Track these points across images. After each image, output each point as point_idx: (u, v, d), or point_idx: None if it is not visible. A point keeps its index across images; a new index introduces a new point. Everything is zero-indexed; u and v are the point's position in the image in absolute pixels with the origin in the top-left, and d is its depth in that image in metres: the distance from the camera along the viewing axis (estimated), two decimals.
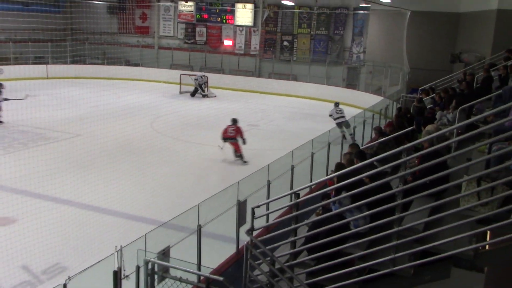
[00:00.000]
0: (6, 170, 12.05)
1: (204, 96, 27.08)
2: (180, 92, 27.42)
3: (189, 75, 27.99)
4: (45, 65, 30.27)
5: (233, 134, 14.72)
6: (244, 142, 14.84)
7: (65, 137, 16.75)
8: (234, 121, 15.03)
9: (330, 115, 17.56)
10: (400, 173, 4.89)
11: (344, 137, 16.16)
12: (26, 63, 29.19)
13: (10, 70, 27.83)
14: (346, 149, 8.31)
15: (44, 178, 11.80)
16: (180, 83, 27.70)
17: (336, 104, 17.87)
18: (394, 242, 4.77)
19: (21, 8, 28.87)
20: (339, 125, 17.01)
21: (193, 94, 26.87)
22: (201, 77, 27.45)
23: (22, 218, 9.97)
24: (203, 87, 27.20)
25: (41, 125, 17.54)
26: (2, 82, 18.68)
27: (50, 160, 13.57)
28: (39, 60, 30.64)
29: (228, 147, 14.87)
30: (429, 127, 7.20)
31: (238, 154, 14.81)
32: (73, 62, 31.69)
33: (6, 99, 17.93)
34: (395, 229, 4.79)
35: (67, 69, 30.58)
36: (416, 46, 22.08)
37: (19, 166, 12.62)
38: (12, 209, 10.16)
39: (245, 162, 14.72)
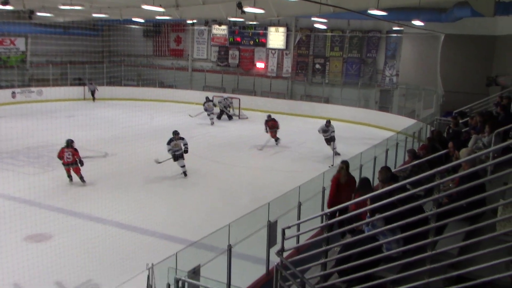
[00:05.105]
0: (43, 188, 12.37)
1: (230, 118, 27.23)
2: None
3: (219, 97, 28.17)
4: (82, 87, 31.19)
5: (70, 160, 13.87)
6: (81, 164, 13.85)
7: (100, 157, 17.10)
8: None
9: (320, 131, 18.84)
10: (434, 196, 4.82)
11: (335, 152, 18.16)
12: (64, 85, 30.13)
13: (50, 91, 28.78)
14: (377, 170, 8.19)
15: (79, 196, 12.08)
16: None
17: (328, 122, 18.86)
18: (428, 267, 4.67)
19: (61, 32, 29.92)
20: (327, 141, 18.68)
21: (219, 117, 26.90)
22: (225, 99, 27.59)
23: (56, 234, 10.20)
24: (228, 109, 27.37)
25: (78, 144, 17.96)
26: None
27: (85, 178, 13.88)
28: (77, 81, 31.60)
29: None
30: (463, 150, 7.06)
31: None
32: (109, 84, 32.52)
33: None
34: (429, 253, 4.70)
35: (103, 90, 31.47)
36: (450, 69, 21.77)
37: (55, 183, 12.94)
38: (48, 225, 10.42)
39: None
